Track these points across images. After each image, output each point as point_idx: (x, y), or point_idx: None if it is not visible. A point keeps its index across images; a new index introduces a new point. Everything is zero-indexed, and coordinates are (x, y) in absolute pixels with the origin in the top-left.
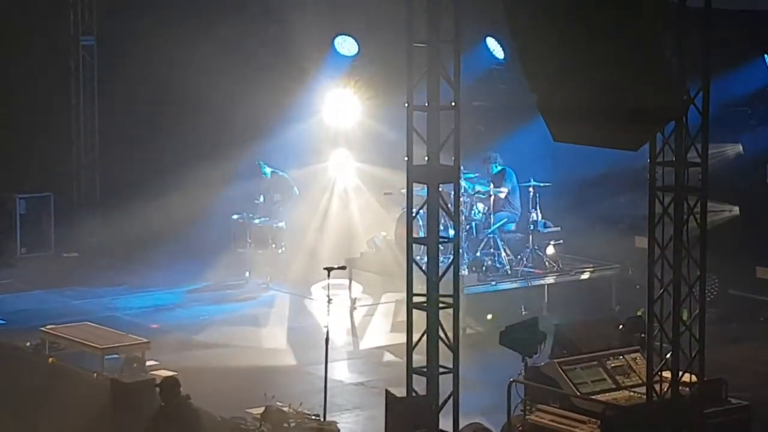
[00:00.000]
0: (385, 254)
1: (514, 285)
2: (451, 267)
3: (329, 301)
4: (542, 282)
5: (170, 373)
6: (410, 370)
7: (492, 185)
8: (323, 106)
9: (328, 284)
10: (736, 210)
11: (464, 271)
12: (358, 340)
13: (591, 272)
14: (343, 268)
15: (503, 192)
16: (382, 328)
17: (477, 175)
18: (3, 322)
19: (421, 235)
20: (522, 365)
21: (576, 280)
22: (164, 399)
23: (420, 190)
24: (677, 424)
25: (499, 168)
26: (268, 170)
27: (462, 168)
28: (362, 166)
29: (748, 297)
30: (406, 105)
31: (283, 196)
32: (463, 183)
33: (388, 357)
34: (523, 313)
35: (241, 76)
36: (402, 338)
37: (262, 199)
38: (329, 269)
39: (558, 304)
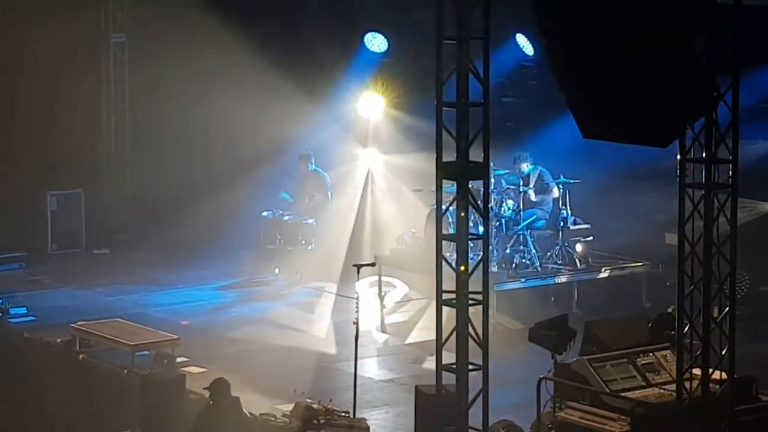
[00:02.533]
0: (415, 251)
1: (544, 282)
2: (481, 264)
3: (358, 297)
4: (572, 279)
5: (201, 370)
6: (440, 367)
7: (523, 182)
8: (354, 104)
9: (358, 281)
10: (766, 206)
11: (494, 268)
12: (388, 337)
13: (621, 269)
14: (372, 264)
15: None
16: (412, 325)
17: (507, 171)
18: (34, 318)
19: (451, 231)
20: (552, 362)
21: (605, 277)
22: (214, 399)
23: (450, 187)
24: (707, 421)
25: (531, 168)
26: (312, 165)
27: (492, 164)
28: (393, 164)
29: None
30: (436, 102)
31: (319, 197)
32: (493, 178)
33: (418, 354)
34: (553, 309)
35: (273, 74)
36: (432, 335)
37: (307, 199)
38: (359, 266)
39: (587, 300)
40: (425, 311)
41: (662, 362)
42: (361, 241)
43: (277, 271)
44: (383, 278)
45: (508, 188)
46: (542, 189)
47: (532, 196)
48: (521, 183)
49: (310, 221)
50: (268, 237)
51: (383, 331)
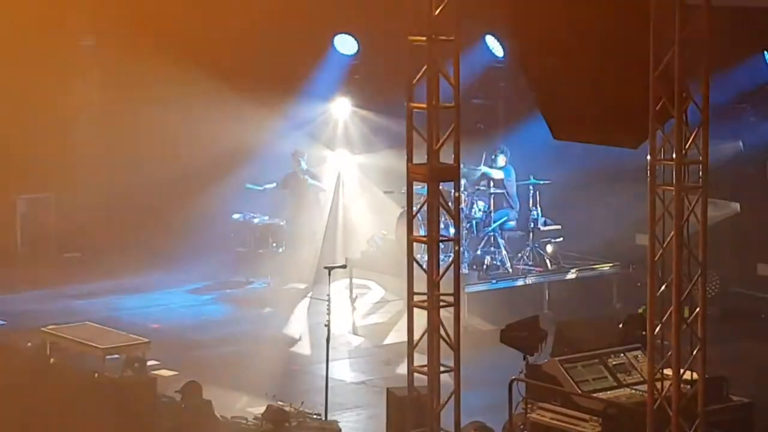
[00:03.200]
0: (386, 253)
1: (515, 283)
2: (452, 265)
3: (329, 300)
4: (543, 280)
5: (172, 373)
6: (411, 369)
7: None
8: (324, 106)
9: (329, 283)
10: (736, 207)
11: (465, 270)
12: (360, 339)
13: (591, 270)
14: (343, 267)
15: (498, 174)
16: (384, 327)
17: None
18: (3, 322)
19: (422, 233)
20: (523, 363)
21: (577, 278)
22: (185, 403)
23: (420, 189)
24: (679, 422)
25: (503, 165)
26: (304, 165)
27: (462, 166)
28: (364, 165)
29: (749, 294)
30: (406, 103)
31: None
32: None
33: (390, 356)
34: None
35: (243, 77)
36: (403, 337)
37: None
38: (329, 268)
39: (559, 301)
40: (397, 313)
41: (633, 363)
42: (332, 243)
43: (248, 273)
44: (354, 280)
45: (477, 189)
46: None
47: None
48: (490, 184)
49: (281, 223)
50: (239, 240)
51: (355, 333)
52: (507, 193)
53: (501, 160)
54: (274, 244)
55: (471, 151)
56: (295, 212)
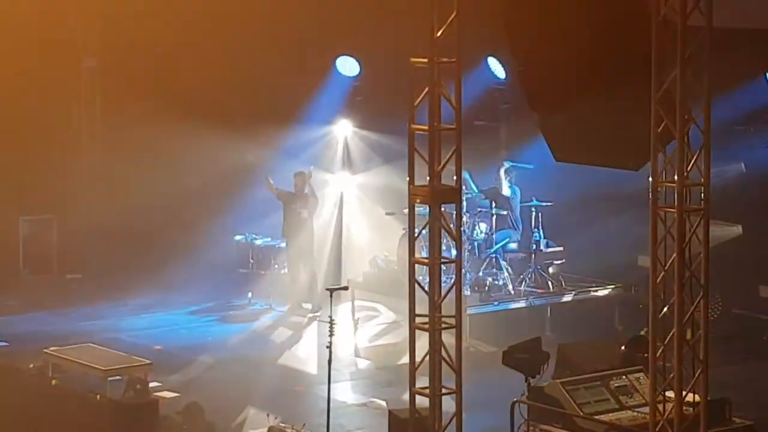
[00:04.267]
0: (388, 274)
1: (517, 305)
2: (454, 287)
3: (332, 321)
4: (545, 302)
5: (174, 395)
6: (413, 391)
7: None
8: (326, 128)
9: (331, 305)
10: (738, 229)
11: (467, 291)
12: (362, 361)
13: (594, 292)
14: (345, 288)
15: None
16: (386, 349)
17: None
18: (6, 344)
19: (424, 255)
20: (525, 385)
21: (578, 300)
22: (187, 424)
23: (422, 210)
24: None
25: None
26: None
27: (464, 188)
28: (366, 186)
29: (751, 316)
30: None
31: (309, 215)
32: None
33: (392, 377)
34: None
35: (245, 99)
36: (405, 359)
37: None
38: (331, 290)
39: (561, 323)
40: (399, 335)
41: (635, 385)
42: (334, 264)
43: (250, 294)
44: (357, 302)
45: (480, 210)
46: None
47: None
48: (492, 204)
49: (282, 245)
50: (241, 261)
51: (357, 354)
52: (511, 212)
53: (505, 176)
54: (276, 266)
55: (474, 172)
56: (296, 233)
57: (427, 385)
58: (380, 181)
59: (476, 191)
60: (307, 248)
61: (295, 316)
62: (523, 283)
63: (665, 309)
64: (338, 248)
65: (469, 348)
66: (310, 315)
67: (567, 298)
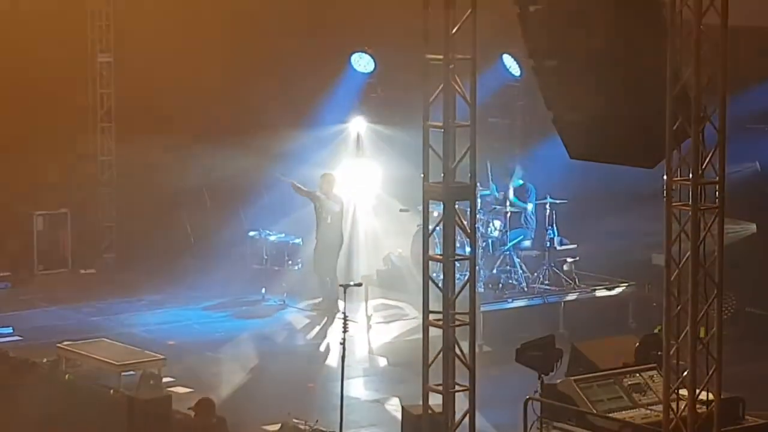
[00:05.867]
0: (402, 271)
1: (531, 302)
2: (468, 284)
3: (345, 318)
4: (558, 299)
5: (187, 390)
6: (426, 388)
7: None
8: (342, 125)
9: (345, 301)
10: (753, 227)
11: (480, 289)
12: (375, 357)
13: (607, 289)
14: (359, 285)
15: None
16: (399, 345)
17: (490, 194)
18: (20, 338)
19: (438, 252)
20: (538, 383)
21: (592, 298)
22: (200, 420)
23: (436, 207)
24: None
25: (521, 183)
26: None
27: (478, 185)
28: (380, 182)
29: (765, 315)
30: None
31: (332, 219)
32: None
33: (405, 374)
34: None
35: (260, 93)
36: (419, 355)
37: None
38: (345, 286)
39: (574, 321)
40: (412, 332)
41: (649, 383)
42: (348, 261)
43: (263, 290)
44: (370, 299)
45: (494, 207)
46: (523, 198)
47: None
48: (509, 194)
49: (296, 241)
50: (255, 257)
51: (370, 351)
52: (526, 211)
53: (516, 182)
54: (290, 262)
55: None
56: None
57: (441, 381)
58: (395, 178)
59: (495, 189)
60: (332, 250)
61: (308, 312)
62: (537, 280)
63: (679, 307)
64: (352, 245)
65: (483, 345)
66: (324, 312)
67: (580, 295)
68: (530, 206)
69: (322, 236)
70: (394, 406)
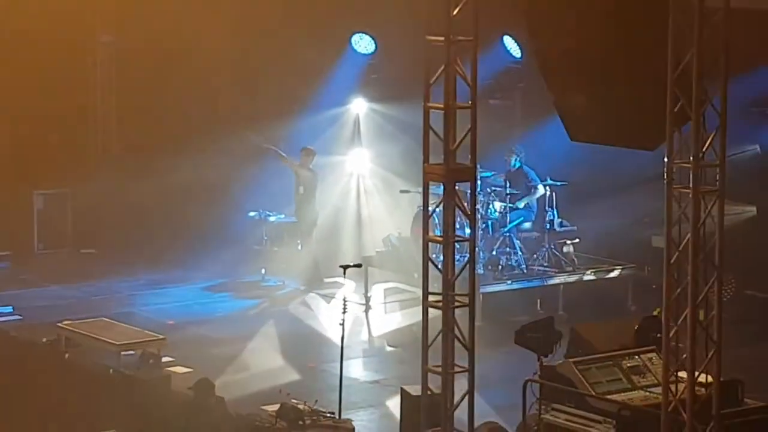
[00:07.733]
0: (401, 253)
1: (530, 284)
2: (467, 266)
3: (345, 299)
4: (558, 281)
5: (187, 370)
6: (425, 369)
7: (508, 182)
8: (342, 106)
9: (344, 282)
10: (753, 210)
11: (480, 270)
12: (374, 338)
13: (607, 272)
14: (359, 266)
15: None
16: (399, 326)
17: (494, 173)
18: (20, 317)
19: (437, 233)
20: (537, 364)
21: (592, 280)
22: (199, 399)
23: (436, 188)
24: (693, 425)
25: (518, 165)
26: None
27: (479, 166)
28: (380, 163)
29: (764, 297)
30: (423, 103)
31: (306, 192)
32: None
33: (404, 355)
34: (539, 311)
35: (261, 73)
36: (418, 337)
37: (301, 189)
38: (345, 267)
39: (574, 303)
40: (411, 313)
41: (648, 365)
42: (348, 241)
43: (263, 271)
44: (370, 279)
45: (495, 189)
46: (527, 189)
47: (521, 204)
48: (507, 185)
49: (295, 221)
50: (254, 237)
51: (369, 332)
52: (530, 209)
53: (513, 159)
54: (290, 242)
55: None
56: (309, 209)
57: (440, 363)
58: (395, 161)
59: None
60: (318, 225)
61: (308, 293)
62: (537, 262)
63: (679, 289)
64: (352, 226)
65: (482, 327)
66: (323, 293)
67: (580, 277)
68: (541, 190)
69: (297, 209)
70: (392, 387)
